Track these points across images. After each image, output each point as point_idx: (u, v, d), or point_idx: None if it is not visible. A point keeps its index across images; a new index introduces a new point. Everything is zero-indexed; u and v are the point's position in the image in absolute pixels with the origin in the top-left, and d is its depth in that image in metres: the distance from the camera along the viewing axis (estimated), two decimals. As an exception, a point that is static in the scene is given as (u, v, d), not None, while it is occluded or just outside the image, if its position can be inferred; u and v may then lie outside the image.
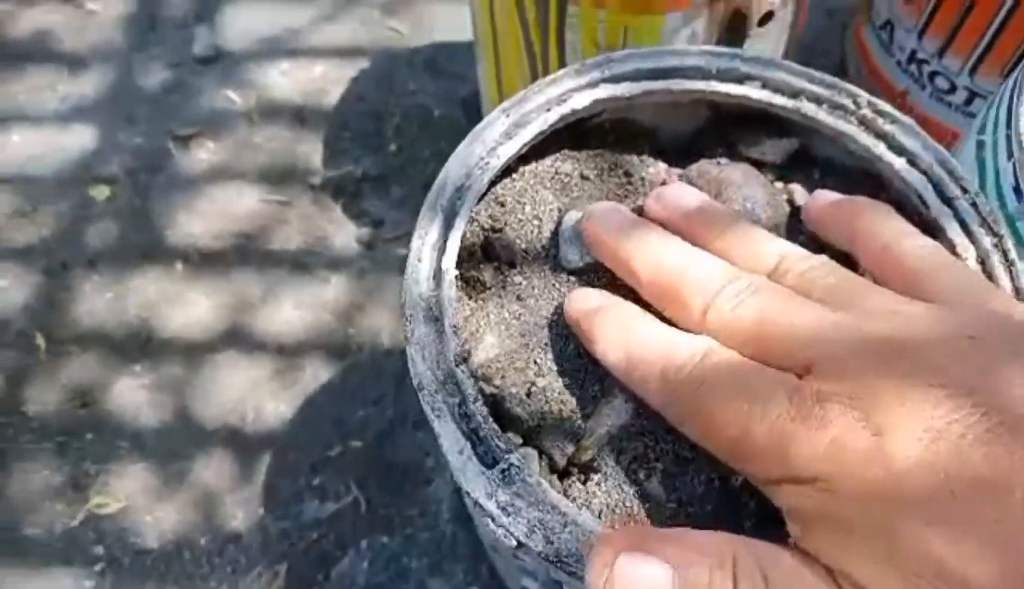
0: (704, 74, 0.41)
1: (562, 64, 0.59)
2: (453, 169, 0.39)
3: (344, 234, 0.83)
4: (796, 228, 0.40)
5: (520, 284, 0.39)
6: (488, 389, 0.35)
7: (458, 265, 0.39)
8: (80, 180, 0.88)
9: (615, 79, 0.42)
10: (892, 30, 0.80)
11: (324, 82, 0.94)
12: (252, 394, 0.74)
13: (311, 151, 0.88)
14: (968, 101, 0.76)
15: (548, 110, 0.41)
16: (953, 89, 0.77)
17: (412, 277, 0.37)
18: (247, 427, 0.73)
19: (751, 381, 0.25)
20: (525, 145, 0.41)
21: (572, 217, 0.40)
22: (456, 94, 0.92)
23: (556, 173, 0.43)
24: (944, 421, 0.21)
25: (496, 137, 0.40)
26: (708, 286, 0.29)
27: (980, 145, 0.43)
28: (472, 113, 0.90)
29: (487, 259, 0.40)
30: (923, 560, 0.20)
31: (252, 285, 0.80)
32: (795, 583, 0.22)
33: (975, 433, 0.20)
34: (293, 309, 0.79)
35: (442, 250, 0.38)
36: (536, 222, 0.41)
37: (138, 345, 0.77)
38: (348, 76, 0.94)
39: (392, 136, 0.89)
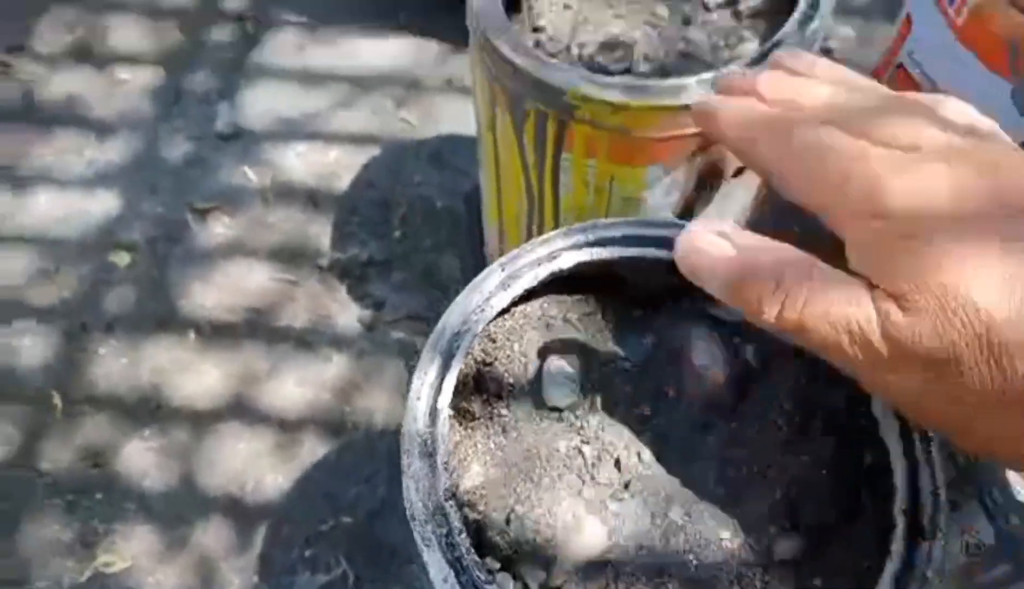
0: (672, 245, 0.47)
1: (555, 197, 0.66)
2: (452, 316, 0.45)
3: (347, 314, 0.89)
4: (750, 384, 0.46)
5: (506, 416, 0.45)
6: (472, 515, 0.41)
7: (452, 394, 0.44)
8: (102, 245, 0.94)
9: (599, 243, 0.48)
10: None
11: (337, 167, 1.01)
12: (253, 465, 0.79)
13: (320, 233, 0.95)
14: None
15: (539, 265, 0.47)
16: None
17: (411, 414, 0.42)
18: (247, 497, 0.78)
19: (859, 146, 0.29)
20: (516, 297, 0.47)
21: (554, 361, 0.47)
22: (459, 188, 0.98)
23: (543, 315, 0.49)
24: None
25: (491, 288, 0.46)
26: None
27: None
28: (473, 208, 0.96)
29: (478, 390, 0.46)
30: (950, 273, 0.25)
31: (259, 359, 0.86)
32: (837, 285, 0.27)
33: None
34: (295, 385, 0.84)
35: (438, 390, 0.43)
36: (523, 359, 0.47)
37: (148, 410, 0.83)
38: (359, 163, 1.01)
39: (397, 224, 0.96)
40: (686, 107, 0.55)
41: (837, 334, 0.27)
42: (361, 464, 0.79)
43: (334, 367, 0.85)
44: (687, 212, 0.67)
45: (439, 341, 0.45)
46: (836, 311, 0.27)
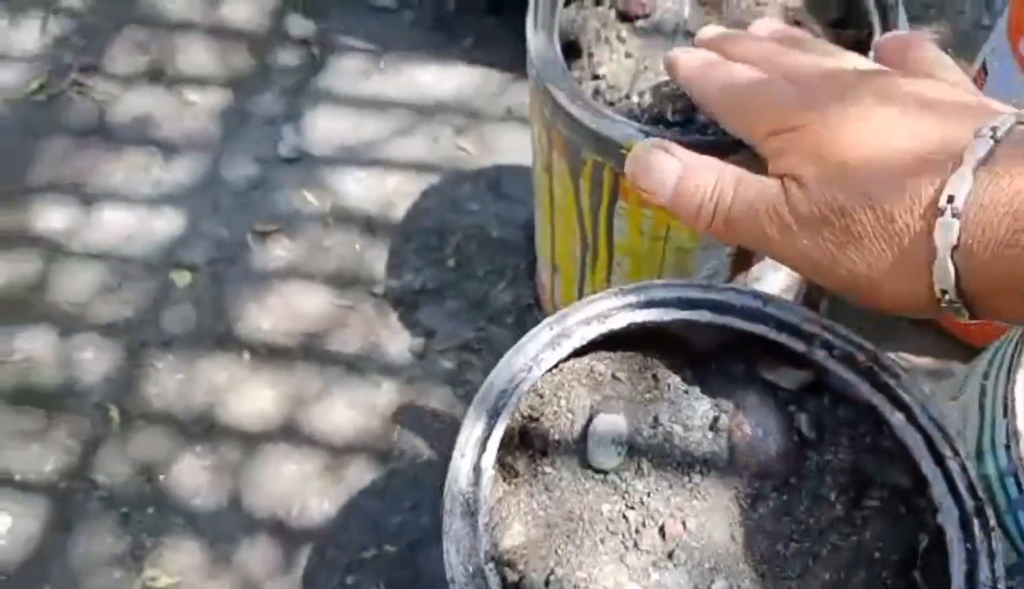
0: (728, 310, 0.47)
1: (610, 242, 0.66)
2: (500, 374, 0.45)
3: (398, 342, 0.90)
4: (801, 458, 0.45)
5: (549, 474, 0.45)
6: (511, 576, 0.41)
7: (498, 447, 0.45)
8: (164, 263, 0.97)
9: (650, 304, 0.47)
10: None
11: (395, 195, 1.02)
12: (300, 488, 0.81)
13: (376, 259, 0.96)
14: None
15: (588, 325, 0.47)
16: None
17: (453, 472, 0.42)
18: (292, 519, 0.79)
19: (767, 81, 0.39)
20: (560, 361, 0.46)
21: (602, 421, 0.46)
22: (515, 218, 0.99)
23: (591, 372, 0.49)
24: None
25: (540, 347, 0.46)
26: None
27: (983, 390, 0.48)
28: (528, 238, 0.97)
29: (523, 445, 0.46)
30: (838, 160, 0.33)
31: (311, 381, 0.87)
32: (755, 181, 0.36)
33: None
34: (345, 409, 0.86)
35: (483, 448, 0.43)
36: (569, 416, 0.47)
37: (202, 428, 0.85)
38: (417, 190, 1.02)
39: (451, 253, 0.96)
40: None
41: (758, 218, 0.36)
42: (406, 492, 0.80)
43: (384, 394, 0.86)
44: (744, 264, 0.66)
45: (486, 398, 0.45)
46: (756, 201, 0.36)
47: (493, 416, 0.44)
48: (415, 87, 1.14)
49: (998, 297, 0.31)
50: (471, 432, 0.43)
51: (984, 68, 0.76)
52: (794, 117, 0.36)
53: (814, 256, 0.34)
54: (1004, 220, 0.29)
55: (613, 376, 0.49)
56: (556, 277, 0.80)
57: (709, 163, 0.38)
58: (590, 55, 0.64)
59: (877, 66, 0.40)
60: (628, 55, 0.64)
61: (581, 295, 0.77)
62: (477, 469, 0.42)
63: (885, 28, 0.61)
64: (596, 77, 0.63)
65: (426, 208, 1.00)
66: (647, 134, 0.55)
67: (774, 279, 0.70)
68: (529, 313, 0.92)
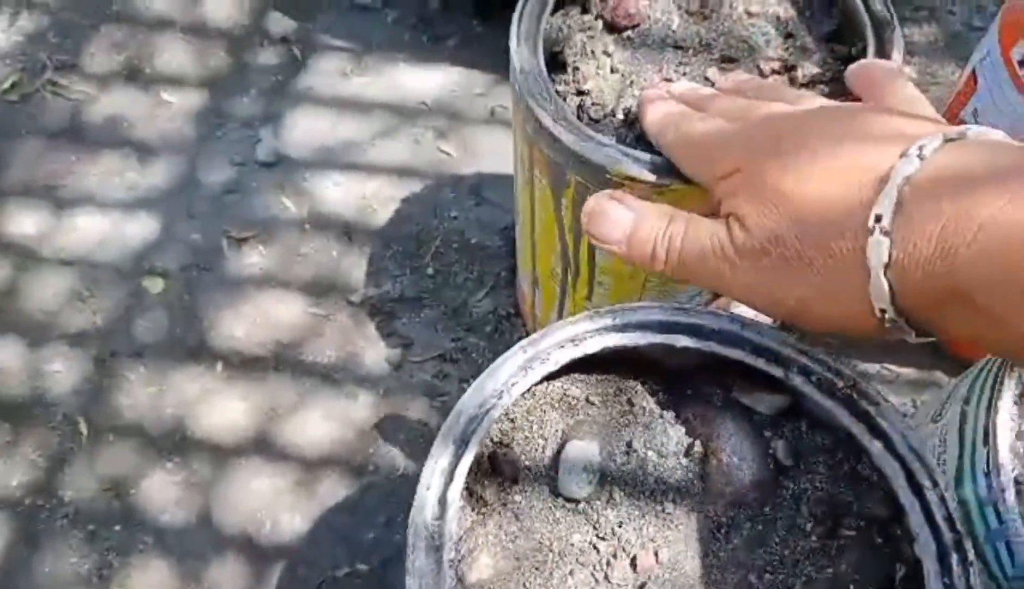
0: (705, 334, 0.45)
1: (591, 261, 0.64)
2: (470, 400, 0.44)
3: (375, 352, 0.88)
4: (777, 486, 0.43)
5: (519, 503, 0.44)
6: (477, 612, 0.39)
7: (467, 475, 0.43)
8: (136, 270, 0.95)
9: (626, 327, 0.46)
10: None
11: (374, 200, 1.00)
12: (272, 503, 0.79)
13: (353, 266, 0.94)
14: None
15: (562, 348, 0.45)
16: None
17: (419, 505, 0.41)
18: (264, 536, 0.77)
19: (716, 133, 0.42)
20: (537, 382, 0.45)
21: (574, 448, 0.45)
22: (496, 223, 0.97)
23: (565, 396, 0.47)
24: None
25: (512, 372, 0.45)
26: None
27: (963, 415, 0.46)
28: (509, 244, 0.95)
29: (493, 473, 0.45)
30: (773, 195, 0.35)
31: (285, 393, 0.85)
32: (702, 223, 0.38)
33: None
34: (320, 420, 0.84)
35: (450, 478, 0.42)
36: (541, 442, 0.46)
37: (173, 442, 0.83)
38: (397, 195, 1.00)
39: (431, 259, 0.94)
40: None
41: (707, 257, 0.38)
42: (380, 507, 0.78)
43: (359, 405, 0.84)
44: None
45: (454, 426, 0.43)
46: (704, 241, 0.38)
47: (461, 444, 0.42)
48: (397, 88, 1.12)
49: (937, 311, 0.31)
50: (437, 462, 0.42)
51: (975, 75, 0.74)
52: (739, 160, 0.38)
53: (757, 288, 0.36)
54: (932, 236, 0.29)
55: (587, 400, 0.48)
56: (537, 290, 0.79)
57: (660, 210, 0.40)
58: (575, 69, 0.62)
59: (832, 103, 0.42)
60: (614, 70, 0.62)
61: (561, 311, 0.76)
62: (443, 501, 0.41)
63: (879, 43, 0.60)
64: (581, 93, 0.61)
65: (406, 213, 0.98)
66: (634, 158, 0.54)
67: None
68: (508, 322, 0.90)
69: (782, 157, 0.36)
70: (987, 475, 0.42)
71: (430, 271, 0.94)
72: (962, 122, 0.75)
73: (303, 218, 0.99)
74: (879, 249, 0.31)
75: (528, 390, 0.47)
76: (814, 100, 0.43)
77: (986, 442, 0.43)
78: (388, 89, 1.12)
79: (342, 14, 1.21)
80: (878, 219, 0.30)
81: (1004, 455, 0.42)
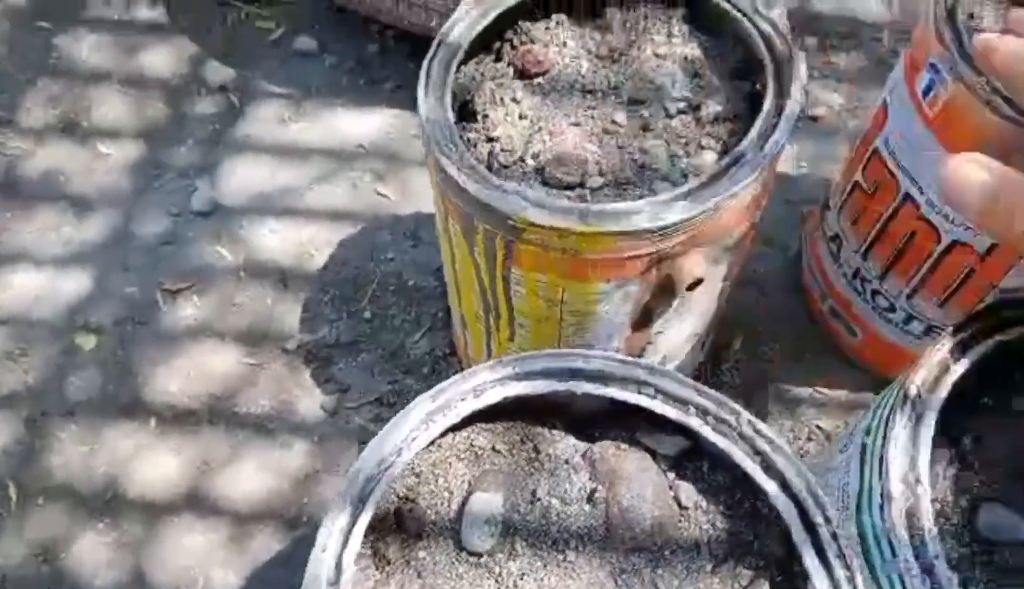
0: (605, 379, 0.45)
1: (509, 303, 0.64)
2: (368, 459, 0.43)
3: (310, 399, 0.87)
4: (678, 528, 0.44)
5: (423, 559, 0.43)
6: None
7: (370, 532, 0.42)
8: (70, 327, 0.94)
9: (526, 376, 0.46)
10: (840, 244, 0.85)
11: (310, 245, 1.00)
12: (205, 559, 0.77)
13: (289, 313, 0.93)
14: (907, 320, 0.81)
15: (464, 400, 0.45)
16: (893, 309, 0.81)
17: (312, 571, 0.40)
18: (197, 595, 0.76)
19: None
20: (437, 437, 0.45)
21: (477, 500, 0.44)
22: (432, 264, 0.97)
23: (471, 446, 0.47)
24: None
25: (413, 427, 0.44)
26: None
27: (864, 446, 0.47)
28: (445, 285, 0.95)
29: (398, 529, 0.44)
30: None
31: (218, 446, 0.84)
32: None
33: None
34: (255, 472, 0.83)
35: (346, 541, 0.41)
36: (447, 494, 0.45)
37: (104, 502, 0.81)
38: (334, 239, 1.00)
39: (368, 303, 0.94)
40: (635, 233, 0.53)
41: None
42: (318, 560, 0.77)
43: (294, 454, 0.83)
44: (644, 322, 0.65)
45: (352, 486, 0.43)
46: None
47: (359, 504, 0.42)
48: (335, 132, 1.12)
49: None
50: (334, 524, 0.41)
51: (885, 106, 0.76)
52: None
53: None
54: None
55: (493, 449, 0.48)
56: (467, 332, 0.79)
57: (1019, 175, 0.37)
58: (485, 117, 0.62)
59: None
60: (522, 116, 0.63)
61: (489, 351, 0.76)
62: (339, 565, 0.40)
63: (779, 78, 0.61)
64: (491, 139, 0.62)
65: (343, 258, 0.98)
66: (538, 205, 0.54)
67: (677, 330, 0.69)
68: (445, 362, 0.90)
69: None
70: (881, 508, 0.42)
71: (367, 315, 0.93)
72: (875, 152, 0.77)
73: (239, 266, 0.98)
74: None
75: (433, 442, 0.46)
76: None
77: (881, 475, 0.43)
78: (326, 134, 1.12)
79: (281, 61, 1.21)
80: None
81: (896, 487, 0.42)
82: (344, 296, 0.95)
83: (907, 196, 0.73)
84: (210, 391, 0.88)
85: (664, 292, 0.60)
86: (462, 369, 0.89)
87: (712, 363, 0.89)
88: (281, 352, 0.90)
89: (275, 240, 1.00)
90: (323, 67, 1.20)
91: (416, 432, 0.44)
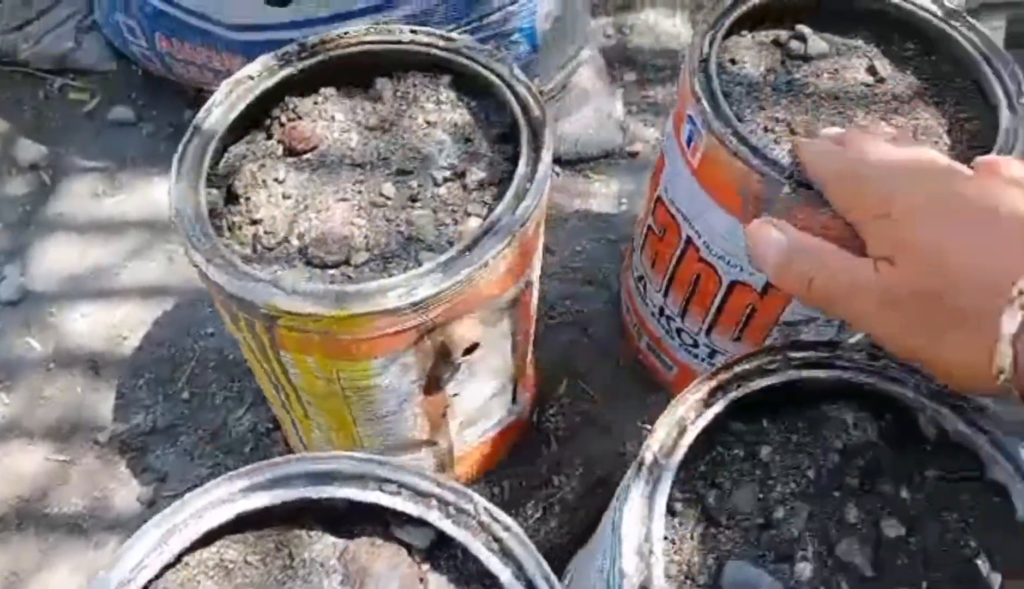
0: (343, 480, 0.45)
1: (291, 384, 0.63)
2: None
3: (126, 492, 0.84)
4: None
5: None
6: None
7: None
8: None
9: (274, 483, 0.45)
10: (645, 284, 0.88)
11: (123, 326, 0.96)
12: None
13: (101, 402, 0.90)
14: (711, 355, 0.84)
15: (200, 517, 0.44)
16: (696, 344, 0.84)
17: None
18: None
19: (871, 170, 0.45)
20: (170, 562, 0.43)
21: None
22: (253, 336, 0.95)
23: (221, 561, 0.46)
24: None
25: (144, 552, 0.43)
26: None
27: (613, 526, 0.47)
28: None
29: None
30: (931, 252, 0.39)
31: (28, 552, 0.80)
32: (852, 261, 0.41)
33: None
34: (67, 576, 0.79)
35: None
36: (197, 616, 0.44)
37: (-102, 630, 0.76)
38: (149, 318, 0.96)
39: (186, 383, 0.91)
40: (391, 311, 0.53)
41: (854, 296, 0.41)
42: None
43: (109, 553, 0.80)
44: (433, 386, 0.66)
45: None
46: (854, 276, 0.41)
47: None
48: (152, 203, 1.09)
49: None
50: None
51: (662, 152, 0.79)
52: (896, 205, 0.41)
53: (896, 334, 0.40)
54: None
55: (245, 561, 0.47)
56: (275, 409, 0.77)
57: (812, 241, 0.43)
58: (247, 199, 0.61)
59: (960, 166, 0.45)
60: (286, 196, 0.62)
61: (296, 428, 0.75)
62: None
63: (534, 144, 0.62)
64: (254, 222, 0.61)
65: (158, 337, 0.95)
66: (287, 292, 0.54)
67: (475, 389, 0.70)
68: (268, 437, 0.88)
69: (943, 214, 0.39)
70: (620, 585, 0.43)
71: (185, 395, 0.91)
72: (659, 197, 0.80)
73: (48, 356, 0.94)
74: (1012, 319, 0.35)
75: (179, 561, 0.45)
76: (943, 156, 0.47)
77: (618, 552, 0.44)
78: (142, 206, 1.09)
79: (96, 132, 1.17)
80: (1021, 292, 0.35)
81: (629, 563, 0.43)
82: (160, 378, 0.92)
83: (688, 240, 0.76)
84: (18, 494, 0.83)
85: (444, 357, 0.60)
86: (287, 443, 0.88)
87: (539, 410, 0.90)
88: (93, 445, 0.87)
89: (85, 325, 0.96)
90: (140, 136, 1.17)
91: (149, 558, 0.43)
